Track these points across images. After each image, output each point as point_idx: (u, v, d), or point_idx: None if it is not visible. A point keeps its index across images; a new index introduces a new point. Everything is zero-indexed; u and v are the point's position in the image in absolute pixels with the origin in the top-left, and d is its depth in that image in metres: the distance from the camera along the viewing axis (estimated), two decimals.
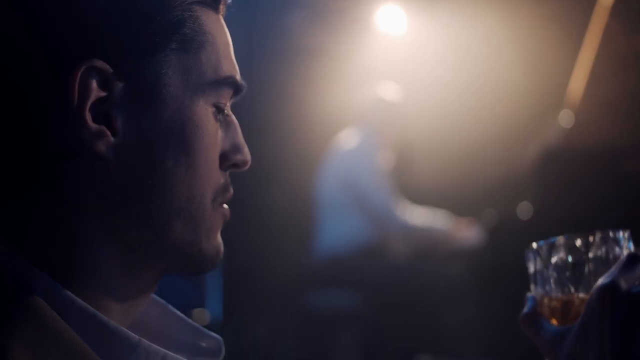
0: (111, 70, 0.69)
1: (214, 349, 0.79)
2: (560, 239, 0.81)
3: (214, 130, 0.75)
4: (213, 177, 0.75)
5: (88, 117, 0.69)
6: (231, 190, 0.78)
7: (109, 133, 0.70)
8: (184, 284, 2.82)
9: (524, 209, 3.02)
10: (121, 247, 0.72)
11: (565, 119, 3.00)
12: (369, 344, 3.53)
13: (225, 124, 0.78)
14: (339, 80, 4.11)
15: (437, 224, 3.70)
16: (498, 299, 2.96)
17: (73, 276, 0.69)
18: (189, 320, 0.80)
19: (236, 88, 0.78)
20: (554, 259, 0.81)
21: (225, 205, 0.78)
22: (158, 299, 0.81)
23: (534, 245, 0.83)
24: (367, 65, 4.15)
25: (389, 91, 3.84)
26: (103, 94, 0.70)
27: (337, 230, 3.72)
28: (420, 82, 4.07)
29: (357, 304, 3.59)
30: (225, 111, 0.77)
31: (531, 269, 0.84)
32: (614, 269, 0.74)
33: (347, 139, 3.82)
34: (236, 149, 0.78)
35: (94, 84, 0.69)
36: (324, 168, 3.84)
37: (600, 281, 0.73)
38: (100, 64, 0.69)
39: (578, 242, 0.80)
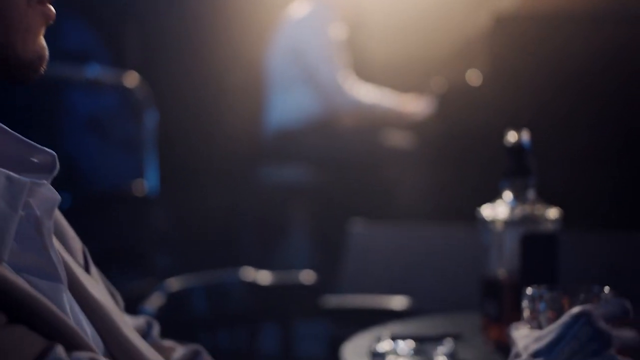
0: None
1: (46, 164, 0.70)
2: (549, 295, 0.87)
3: None
4: None
5: None
6: None
7: None
8: (124, 157, 2.74)
9: (474, 76, 2.96)
10: None
11: None
12: (320, 216, 3.50)
13: None
14: None
15: (386, 101, 3.63)
16: (448, 165, 2.93)
17: None
18: (20, 136, 0.71)
19: None
20: (542, 308, 0.87)
21: (48, 5, 0.68)
22: None
23: (528, 291, 0.87)
24: None
25: None
26: None
27: (286, 103, 3.64)
28: None
29: (307, 177, 3.56)
30: None
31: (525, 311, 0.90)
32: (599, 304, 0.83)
33: (298, 9, 3.69)
34: None
35: None
36: (274, 39, 3.72)
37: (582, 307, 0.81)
38: None
39: (563, 300, 0.86)
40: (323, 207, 3.45)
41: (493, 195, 1.26)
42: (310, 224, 3.57)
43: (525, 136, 1.24)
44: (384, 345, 1.16)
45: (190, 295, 1.72)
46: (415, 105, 3.58)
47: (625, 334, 0.86)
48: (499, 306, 1.20)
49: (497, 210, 1.23)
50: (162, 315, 1.65)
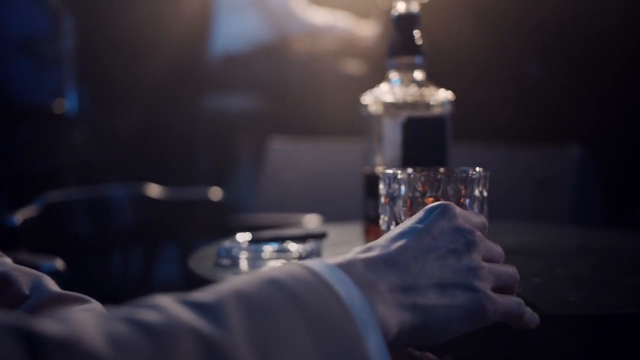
0: None
1: None
2: (404, 174, 0.74)
3: None
4: None
5: None
6: None
7: None
8: (44, 74, 2.54)
9: None
10: None
11: None
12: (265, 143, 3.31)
13: None
14: None
15: (340, 25, 3.43)
16: None
17: None
18: None
19: None
20: (401, 191, 0.74)
21: None
22: None
23: (384, 171, 0.77)
24: None
25: None
26: None
27: (234, 27, 3.43)
28: None
29: (253, 104, 3.38)
30: None
31: (381, 192, 0.77)
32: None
33: None
34: None
35: None
36: None
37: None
38: None
39: (421, 179, 0.73)
40: (269, 135, 3.27)
41: None
42: (255, 151, 3.38)
43: (415, 6, 1.05)
44: (233, 244, 0.99)
45: (70, 208, 1.54)
46: (368, 29, 3.38)
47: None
48: (376, 206, 1.03)
49: (379, 92, 1.05)
50: (36, 228, 1.47)
